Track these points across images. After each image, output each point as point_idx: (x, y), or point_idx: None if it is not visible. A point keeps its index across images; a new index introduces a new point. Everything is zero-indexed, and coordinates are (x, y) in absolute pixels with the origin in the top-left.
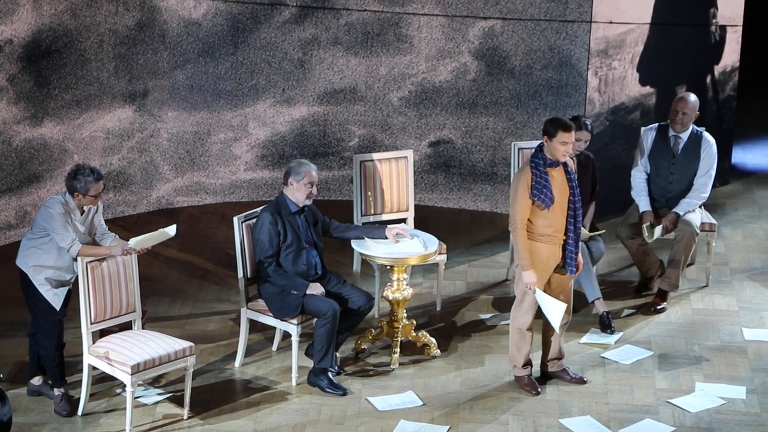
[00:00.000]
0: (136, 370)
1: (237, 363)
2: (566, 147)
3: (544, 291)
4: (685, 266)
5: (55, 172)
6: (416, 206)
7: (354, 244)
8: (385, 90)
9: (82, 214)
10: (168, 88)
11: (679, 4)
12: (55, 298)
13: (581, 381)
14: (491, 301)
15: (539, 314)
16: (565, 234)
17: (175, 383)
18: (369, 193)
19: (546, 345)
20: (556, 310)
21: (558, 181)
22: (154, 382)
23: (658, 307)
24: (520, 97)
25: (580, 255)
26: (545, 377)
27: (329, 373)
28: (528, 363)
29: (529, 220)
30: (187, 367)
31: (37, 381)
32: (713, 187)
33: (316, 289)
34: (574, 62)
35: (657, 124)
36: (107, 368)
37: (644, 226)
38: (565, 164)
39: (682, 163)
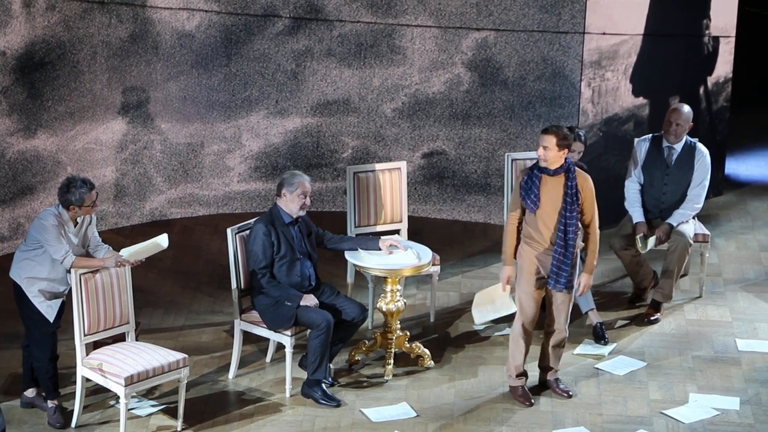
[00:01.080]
0: (130, 381)
1: (231, 374)
2: (539, 149)
3: (549, 306)
4: (678, 277)
5: (48, 184)
6: (410, 217)
7: (347, 255)
8: (378, 101)
9: (75, 226)
10: (161, 100)
11: (672, 15)
12: (49, 309)
13: (567, 395)
14: None
15: (539, 325)
16: (551, 244)
17: (169, 395)
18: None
19: (542, 352)
20: (499, 307)
21: (550, 189)
22: (148, 394)
23: (652, 318)
24: (514, 108)
25: (584, 277)
26: (543, 385)
27: (323, 385)
28: (522, 374)
29: (524, 221)
30: (180, 379)
31: (30, 393)
32: (707, 198)
33: (309, 300)
34: (568, 73)
35: (650, 135)
36: (101, 380)
37: (638, 237)
38: (568, 176)
39: (675, 174)
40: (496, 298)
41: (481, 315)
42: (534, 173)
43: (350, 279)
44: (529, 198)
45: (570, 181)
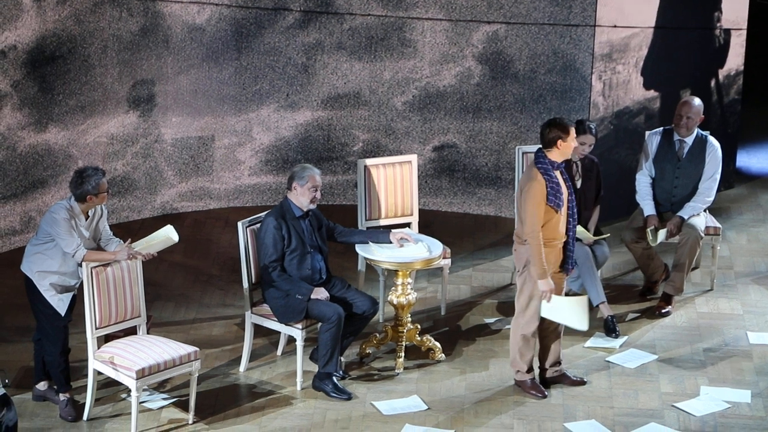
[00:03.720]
0: (141, 374)
1: (242, 368)
2: (582, 147)
3: None
4: (689, 270)
5: (59, 177)
6: (420, 210)
7: (358, 248)
8: (389, 94)
9: (86, 219)
10: (172, 94)
11: (683, 8)
12: (60, 303)
13: (582, 382)
14: (496, 306)
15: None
16: (566, 234)
17: (180, 388)
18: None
19: (545, 351)
20: (578, 309)
21: (561, 183)
22: (159, 387)
23: (663, 311)
24: (524, 101)
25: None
26: (544, 383)
27: (334, 378)
28: (531, 368)
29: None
30: (192, 372)
31: (42, 386)
32: (718, 190)
33: (320, 293)
34: (578, 66)
35: (662, 128)
36: (112, 373)
37: (648, 229)
38: (560, 167)
39: (687, 167)
40: (572, 313)
41: (549, 312)
42: (551, 175)
43: (361, 268)
44: (559, 199)
45: (562, 169)
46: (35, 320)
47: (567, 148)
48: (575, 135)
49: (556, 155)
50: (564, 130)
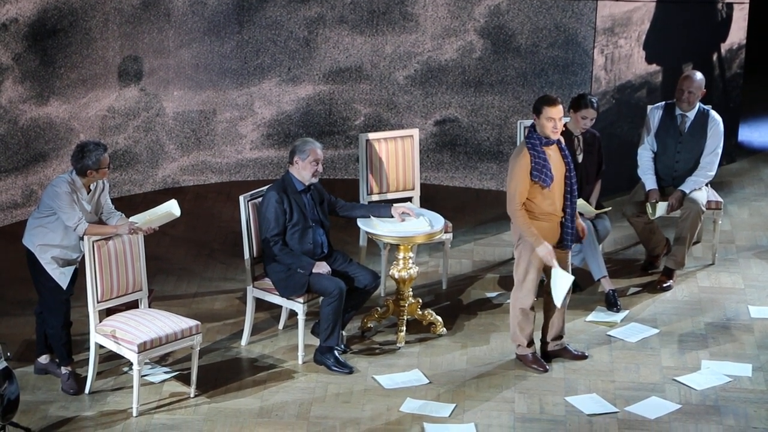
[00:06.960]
0: (143, 348)
1: (243, 341)
2: (553, 123)
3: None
4: (691, 244)
5: (61, 151)
6: (422, 185)
7: (360, 222)
8: (390, 69)
9: (88, 193)
10: (173, 67)
11: None
12: (62, 276)
13: (583, 356)
14: (497, 280)
15: (539, 293)
16: (563, 211)
17: (182, 362)
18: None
19: (547, 324)
20: (563, 284)
21: (554, 159)
22: (161, 361)
23: (664, 285)
24: (526, 75)
25: (579, 219)
26: (546, 357)
27: (335, 352)
28: (531, 342)
29: (529, 200)
30: (193, 346)
31: (44, 359)
32: (719, 165)
33: (322, 267)
34: (580, 40)
35: (664, 102)
36: (114, 347)
37: (649, 203)
38: (558, 141)
39: (688, 142)
40: (559, 286)
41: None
42: (538, 150)
43: (363, 242)
44: (546, 175)
45: (561, 144)
46: (37, 293)
47: (540, 126)
48: (551, 114)
49: (538, 130)
50: (535, 109)
